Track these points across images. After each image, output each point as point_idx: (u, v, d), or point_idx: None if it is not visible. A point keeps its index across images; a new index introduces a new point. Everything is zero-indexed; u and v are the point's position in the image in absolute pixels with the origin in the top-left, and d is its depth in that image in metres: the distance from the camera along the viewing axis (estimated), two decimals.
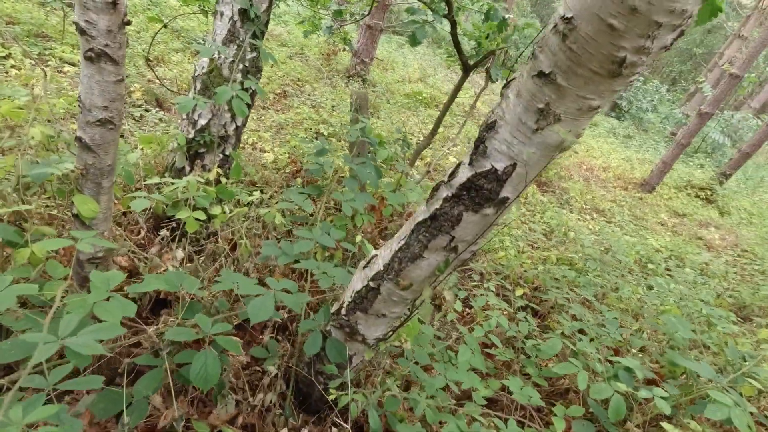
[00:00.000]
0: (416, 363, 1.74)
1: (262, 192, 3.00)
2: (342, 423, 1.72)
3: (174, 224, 2.22)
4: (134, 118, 4.93)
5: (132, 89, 5.71)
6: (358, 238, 2.31)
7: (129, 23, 1.16)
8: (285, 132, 5.79)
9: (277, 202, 2.26)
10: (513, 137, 0.90)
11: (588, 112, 0.84)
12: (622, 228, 6.62)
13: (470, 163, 0.99)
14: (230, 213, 1.85)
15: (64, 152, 1.88)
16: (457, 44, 3.19)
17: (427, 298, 1.18)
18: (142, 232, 2.10)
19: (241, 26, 2.31)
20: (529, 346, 2.35)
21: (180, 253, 1.80)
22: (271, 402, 1.66)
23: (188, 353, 1.39)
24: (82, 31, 1.11)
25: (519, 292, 3.09)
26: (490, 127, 0.93)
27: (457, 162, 1.07)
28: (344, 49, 8.66)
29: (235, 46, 2.34)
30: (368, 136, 2.65)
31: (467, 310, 3.13)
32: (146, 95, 5.65)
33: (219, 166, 2.39)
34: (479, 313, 2.47)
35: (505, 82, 0.92)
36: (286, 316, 2.12)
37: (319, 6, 3.87)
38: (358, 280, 1.34)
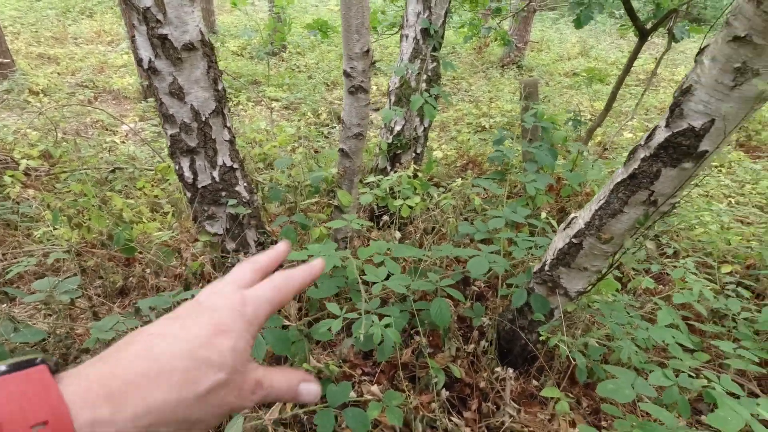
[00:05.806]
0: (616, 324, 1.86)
1: (438, 187, 3.45)
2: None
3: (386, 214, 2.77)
4: (324, 136, 5.93)
5: (319, 112, 6.84)
6: (543, 215, 2.50)
7: (374, 63, 1.63)
8: (448, 130, 6.19)
9: (460, 191, 2.62)
10: (710, 96, 1.03)
11: None
12: None
13: (666, 125, 1.14)
14: (433, 201, 2.26)
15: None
16: (630, 10, 3.09)
17: (628, 246, 1.35)
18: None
19: (423, 43, 2.74)
20: (741, 319, 2.19)
21: (398, 234, 2.29)
22: (481, 350, 2.01)
23: (423, 303, 1.83)
24: (347, 75, 1.62)
25: (726, 269, 2.83)
26: (685, 91, 1.07)
27: (649, 130, 1.22)
28: (496, 39, 8.68)
29: (419, 61, 2.78)
30: (541, 120, 2.81)
31: (661, 287, 2.98)
32: (330, 115, 6.71)
33: (414, 163, 2.87)
34: (678, 283, 2.39)
35: (699, 49, 1.06)
36: (483, 285, 2.45)
37: (478, 9, 4.13)
38: (559, 240, 1.57)
